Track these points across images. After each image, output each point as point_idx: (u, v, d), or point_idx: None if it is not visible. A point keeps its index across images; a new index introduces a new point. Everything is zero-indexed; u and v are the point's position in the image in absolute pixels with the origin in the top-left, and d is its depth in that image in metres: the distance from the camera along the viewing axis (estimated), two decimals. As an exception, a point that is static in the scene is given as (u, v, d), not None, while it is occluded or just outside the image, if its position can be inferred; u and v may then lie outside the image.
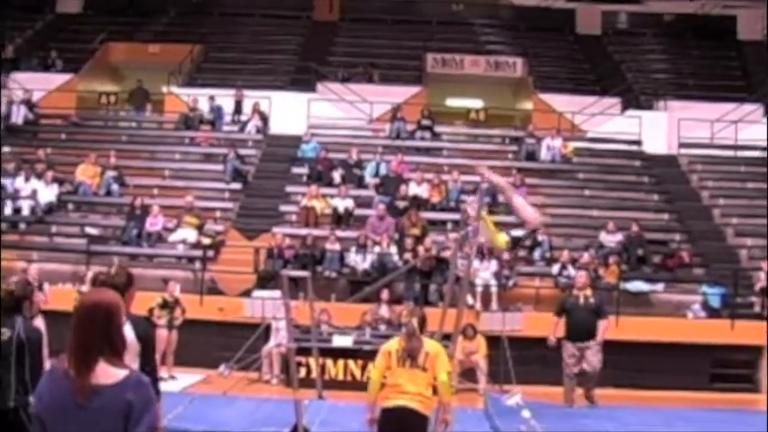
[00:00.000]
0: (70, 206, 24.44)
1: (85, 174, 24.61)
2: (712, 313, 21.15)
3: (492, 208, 10.01)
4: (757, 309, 21.31)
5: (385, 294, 20.00)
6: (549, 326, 16.72)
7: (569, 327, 16.28)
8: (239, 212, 24.87)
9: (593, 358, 16.20)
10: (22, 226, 23.27)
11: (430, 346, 8.62)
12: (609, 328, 16.74)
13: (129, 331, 7.57)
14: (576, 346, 16.22)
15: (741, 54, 34.15)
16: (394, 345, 8.63)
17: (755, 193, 26.65)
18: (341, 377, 18.03)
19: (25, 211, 23.38)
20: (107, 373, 4.18)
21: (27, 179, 23.83)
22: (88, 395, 4.14)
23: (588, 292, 16.52)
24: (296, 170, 26.30)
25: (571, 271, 21.04)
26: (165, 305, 18.03)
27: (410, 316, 8.82)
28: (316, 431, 12.27)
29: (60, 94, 29.15)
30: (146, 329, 7.63)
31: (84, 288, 17.24)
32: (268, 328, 18.15)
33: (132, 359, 7.60)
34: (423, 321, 8.58)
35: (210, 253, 22.24)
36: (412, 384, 8.37)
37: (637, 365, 19.16)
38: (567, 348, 16.28)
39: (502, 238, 10.28)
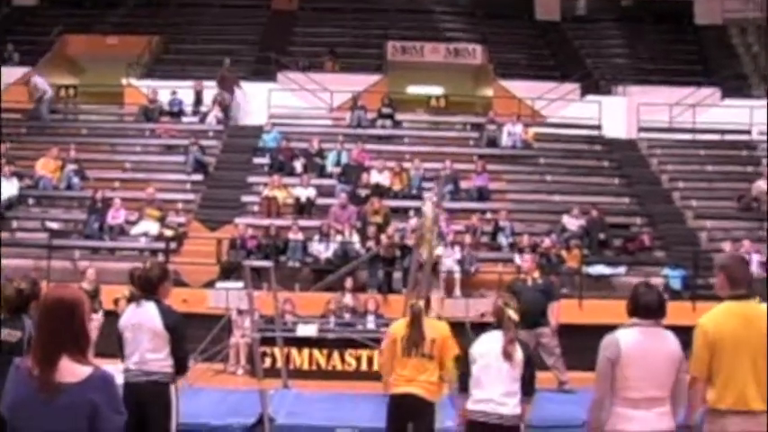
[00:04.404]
0: (30, 201, 24.24)
1: (46, 168, 24.40)
2: (673, 295, 21.28)
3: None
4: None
5: (348, 283, 20.01)
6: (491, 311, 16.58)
7: (519, 310, 16.09)
8: (201, 204, 24.79)
9: (550, 345, 16.06)
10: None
11: (436, 331, 8.59)
12: (562, 312, 16.62)
13: (158, 321, 7.82)
14: (529, 334, 16.03)
15: (698, 39, 34.44)
16: (400, 330, 8.61)
17: (714, 175, 27.03)
18: (306, 366, 18.01)
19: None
20: (71, 371, 4.17)
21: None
22: (52, 393, 4.13)
23: (536, 274, 16.51)
24: (257, 160, 26.25)
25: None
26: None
27: (416, 298, 8.84)
28: (282, 421, 12.28)
29: (17, 88, 28.82)
30: (174, 320, 7.87)
31: (85, 285, 17.19)
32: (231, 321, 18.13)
33: (162, 346, 7.80)
34: (427, 304, 8.62)
35: (173, 245, 22.15)
36: (418, 373, 8.45)
37: (600, 348, 19.24)
38: (521, 336, 16.09)
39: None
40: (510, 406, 7.33)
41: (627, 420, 6.16)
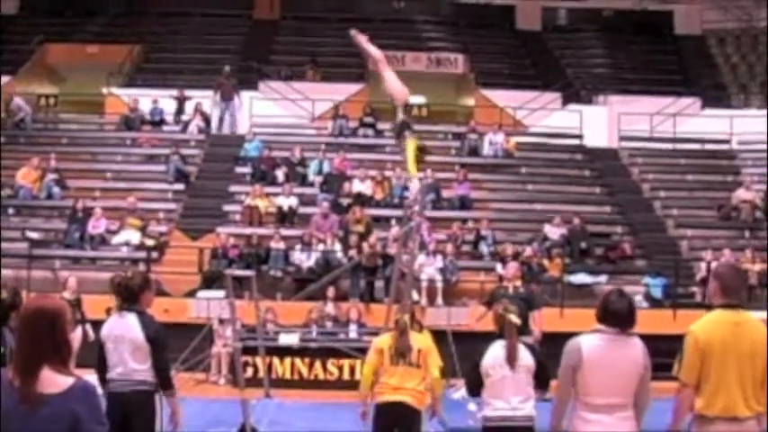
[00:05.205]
0: (11, 210, 24.10)
1: (26, 177, 24.27)
2: (654, 304, 21.40)
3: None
4: (698, 298, 21.60)
5: (330, 292, 20.03)
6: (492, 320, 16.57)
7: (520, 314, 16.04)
8: (183, 213, 24.74)
9: None
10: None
11: (421, 342, 8.86)
12: (543, 321, 16.59)
13: (139, 332, 7.71)
14: None
15: (678, 49, 34.62)
16: (386, 342, 8.76)
17: (695, 185, 27.19)
18: (288, 375, 18.01)
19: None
20: (53, 382, 4.14)
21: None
22: (34, 404, 4.10)
23: (518, 283, 16.52)
24: (239, 169, 26.21)
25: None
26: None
27: (401, 312, 9.02)
28: (264, 430, 12.27)
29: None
30: (156, 331, 7.79)
31: (66, 294, 17.02)
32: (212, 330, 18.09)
33: (144, 357, 7.71)
34: (412, 317, 8.77)
35: (154, 254, 22.11)
36: (405, 381, 8.59)
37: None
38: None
39: (413, 170, 10.65)
40: (527, 409, 7.55)
41: (588, 423, 6.20)
